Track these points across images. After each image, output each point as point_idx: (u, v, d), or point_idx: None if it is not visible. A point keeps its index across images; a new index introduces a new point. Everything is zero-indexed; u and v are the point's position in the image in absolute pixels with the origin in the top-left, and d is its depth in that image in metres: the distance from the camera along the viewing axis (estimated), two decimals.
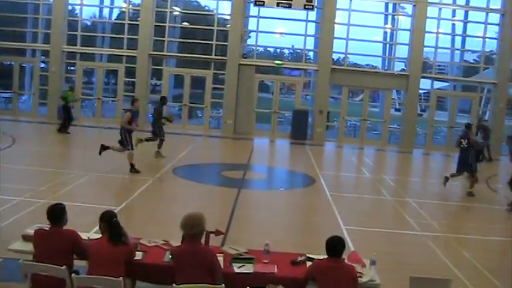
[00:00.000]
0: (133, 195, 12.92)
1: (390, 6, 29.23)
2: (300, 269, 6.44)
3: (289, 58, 35.31)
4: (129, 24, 28.84)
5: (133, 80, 28.68)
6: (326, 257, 6.11)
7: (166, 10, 28.65)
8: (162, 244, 6.89)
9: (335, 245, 6.10)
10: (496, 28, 28.83)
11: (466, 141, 16.69)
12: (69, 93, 24.39)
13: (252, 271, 6.31)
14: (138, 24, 28.46)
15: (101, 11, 30.33)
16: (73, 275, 5.74)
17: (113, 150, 16.13)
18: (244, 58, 28.50)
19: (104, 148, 16.03)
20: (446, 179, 16.77)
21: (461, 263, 9.95)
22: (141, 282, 6.40)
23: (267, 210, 13.06)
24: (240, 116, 28.33)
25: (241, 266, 6.39)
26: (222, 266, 6.21)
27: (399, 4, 28.87)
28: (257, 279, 6.13)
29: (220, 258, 6.36)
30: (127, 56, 28.69)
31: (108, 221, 6.07)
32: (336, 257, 6.04)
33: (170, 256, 6.21)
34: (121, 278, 5.64)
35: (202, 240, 6.28)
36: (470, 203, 16.10)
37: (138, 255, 6.37)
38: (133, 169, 15.61)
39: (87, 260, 6.02)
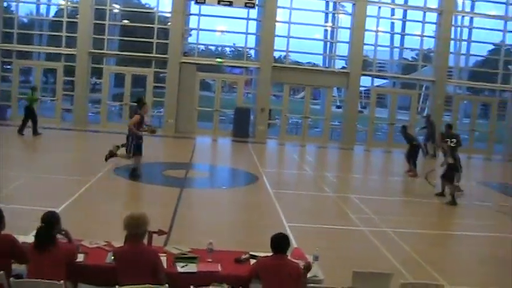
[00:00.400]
0: (75, 196, 12.67)
1: (331, 4, 29.55)
2: (243, 267, 6.45)
3: (231, 56, 35.33)
4: (67, 21, 28.27)
5: (72, 79, 28.14)
6: (271, 254, 6.14)
7: (105, 8, 28.21)
8: (104, 245, 6.79)
9: (280, 242, 6.15)
10: (434, 27, 29.51)
11: (455, 140, 16.89)
12: (33, 94, 23.67)
13: (195, 270, 6.29)
14: (77, 22, 27.91)
15: (38, 8, 29.62)
16: (12, 279, 5.59)
17: (120, 158, 16.03)
18: (186, 56, 28.33)
19: (111, 155, 15.81)
20: (457, 188, 16.73)
21: (403, 257, 10.15)
22: (83, 285, 6.29)
23: (210, 209, 13.03)
24: (181, 115, 28.14)
25: (184, 266, 6.36)
26: (165, 266, 6.17)
27: (339, 3, 29.22)
28: (201, 279, 6.10)
29: (163, 258, 6.33)
30: (66, 54, 28.13)
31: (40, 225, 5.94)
32: (280, 254, 6.09)
33: (113, 257, 6.12)
34: (62, 281, 5.53)
35: (145, 241, 6.23)
36: (410, 197, 16.44)
37: (80, 257, 6.27)
38: (134, 173, 15.48)
39: (26, 264, 5.88)
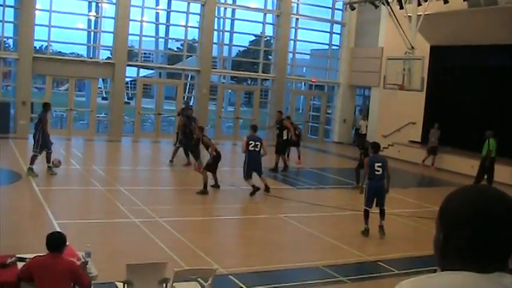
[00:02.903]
0: None
1: None
2: (11, 270, 6.18)
3: None
4: None
5: None
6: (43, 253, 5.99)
7: None
8: None
9: (55, 241, 6.06)
10: (198, 18, 30.09)
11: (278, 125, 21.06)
12: None
13: None
14: None
15: None
16: None
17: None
18: None
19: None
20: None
21: (176, 245, 10.37)
22: None
23: None
24: None
25: None
26: None
27: None
28: None
29: None
30: None
31: None
32: (55, 253, 5.96)
33: None
34: None
35: None
36: (179, 186, 16.75)
37: None
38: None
39: None
